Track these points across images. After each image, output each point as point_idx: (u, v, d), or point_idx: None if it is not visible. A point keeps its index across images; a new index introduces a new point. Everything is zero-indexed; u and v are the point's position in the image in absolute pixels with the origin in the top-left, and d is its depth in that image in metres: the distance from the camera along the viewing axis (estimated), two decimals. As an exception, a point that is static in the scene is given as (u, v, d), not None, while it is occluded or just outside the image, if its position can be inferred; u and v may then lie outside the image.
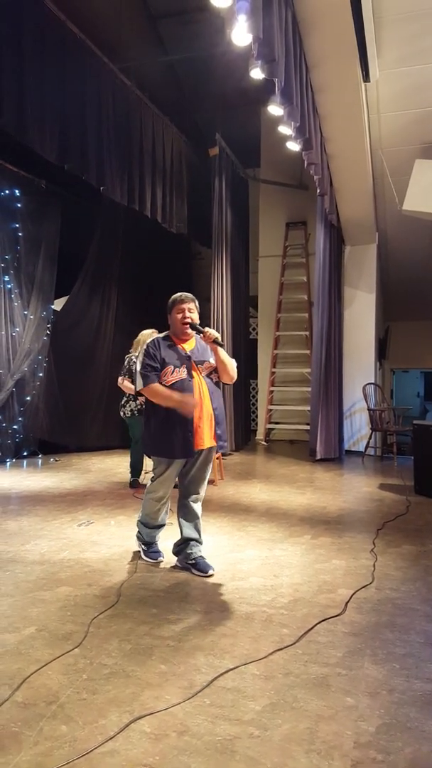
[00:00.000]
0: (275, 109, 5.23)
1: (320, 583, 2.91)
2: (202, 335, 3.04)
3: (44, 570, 3.06)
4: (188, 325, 3.01)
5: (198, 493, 3.14)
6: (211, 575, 3.01)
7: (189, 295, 3.09)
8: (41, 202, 6.89)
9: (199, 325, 3.06)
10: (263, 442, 8.37)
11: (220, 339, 3.04)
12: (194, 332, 3.07)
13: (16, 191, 6.62)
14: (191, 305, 3.06)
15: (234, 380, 3.15)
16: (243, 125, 8.47)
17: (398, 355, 12.44)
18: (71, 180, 5.75)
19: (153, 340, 3.04)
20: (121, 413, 5.18)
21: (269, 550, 3.44)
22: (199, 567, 3.05)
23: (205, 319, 7.50)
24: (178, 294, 3.10)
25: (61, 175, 5.88)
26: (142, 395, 3.04)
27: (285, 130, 5.48)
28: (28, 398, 6.65)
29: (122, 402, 5.19)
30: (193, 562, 3.08)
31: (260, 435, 8.64)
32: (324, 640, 2.31)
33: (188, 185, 7.33)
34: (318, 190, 5.93)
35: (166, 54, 6.47)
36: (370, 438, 7.25)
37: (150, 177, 6.30)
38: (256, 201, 8.97)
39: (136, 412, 5.04)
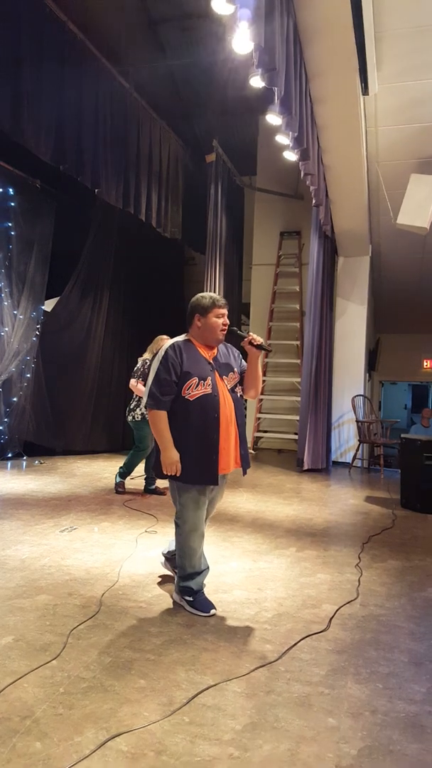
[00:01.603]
0: (273, 118, 5.24)
1: (305, 597, 2.88)
2: (244, 341, 2.70)
3: (24, 577, 2.99)
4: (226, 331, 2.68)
5: (212, 512, 2.88)
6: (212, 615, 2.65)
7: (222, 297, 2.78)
8: (35, 201, 6.83)
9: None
10: (251, 451, 8.34)
11: (265, 344, 2.71)
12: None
13: (10, 190, 6.55)
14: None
15: (257, 396, 2.96)
16: (240, 133, 8.50)
17: (387, 367, 12.51)
18: (66, 181, 5.72)
19: (174, 345, 2.62)
20: (129, 417, 5.04)
21: (254, 562, 3.40)
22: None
23: (189, 326, 7.44)
24: (212, 295, 2.71)
25: (57, 176, 5.84)
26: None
27: (282, 139, 5.50)
28: (15, 399, 6.56)
29: (131, 405, 5.06)
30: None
31: (248, 443, 8.60)
32: (307, 657, 2.27)
33: (184, 191, 7.33)
34: (313, 201, 5.95)
35: (166, 59, 6.46)
36: (357, 450, 7.25)
37: (146, 181, 6.28)
38: (251, 209, 8.99)
39: (146, 416, 4.93)
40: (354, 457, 7.21)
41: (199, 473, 2.59)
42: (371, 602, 2.86)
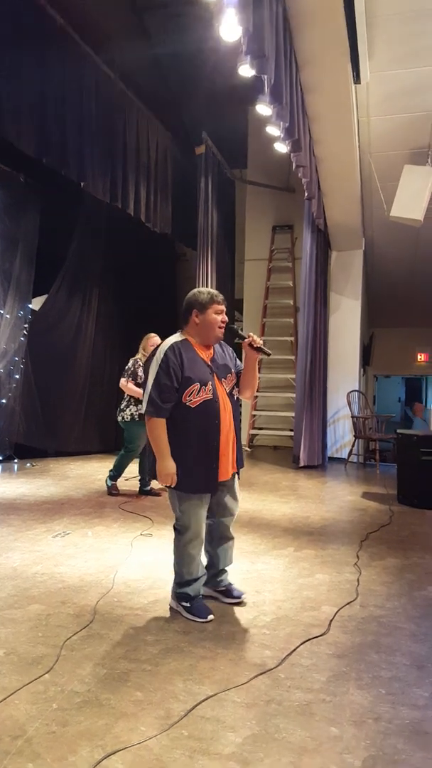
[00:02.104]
0: (264, 109, 5.14)
1: (303, 599, 2.82)
2: (243, 342, 2.61)
3: (15, 586, 2.91)
4: (224, 330, 2.57)
5: (231, 517, 2.76)
6: (243, 602, 2.71)
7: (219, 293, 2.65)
8: (20, 197, 6.68)
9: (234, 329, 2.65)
10: (247, 448, 8.27)
11: (266, 348, 2.63)
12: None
13: (-7, 185, 6.43)
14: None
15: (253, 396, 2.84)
16: (230, 125, 8.37)
17: (381, 361, 12.47)
18: (52, 175, 5.59)
19: (174, 347, 2.47)
20: (119, 417, 4.96)
21: (251, 563, 3.34)
22: (232, 594, 2.75)
23: (185, 324, 7.31)
24: (210, 290, 2.59)
25: (41, 170, 5.71)
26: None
27: (273, 130, 5.41)
28: (4, 401, 6.45)
29: (122, 405, 4.97)
30: (224, 589, 2.78)
31: (244, 441, 8.55)
32: (307, 662, 2.21)
33: (173, 184, 7.21)
34: (306, 194, 5.87)
35: (152, 47, 6.34)
36: (353, 445, 7.20)
37: (134, 174, 6.16)
38: (242, 203, 8.89)
39: (137, 416, 4.85)
40: (350, 453, 7.16)
41: (198, 481, 2.51)
42: (371, 603, 2.80)
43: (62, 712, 1.87)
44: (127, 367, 4.98)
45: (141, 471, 5.16)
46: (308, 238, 6.87)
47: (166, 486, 2.55)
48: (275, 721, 1.83)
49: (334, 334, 7.66)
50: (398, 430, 5.39)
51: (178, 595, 2.65)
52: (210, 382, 2.51)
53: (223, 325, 2.58)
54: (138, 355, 5.03)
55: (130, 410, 4.89)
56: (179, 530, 2.61)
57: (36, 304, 7.13)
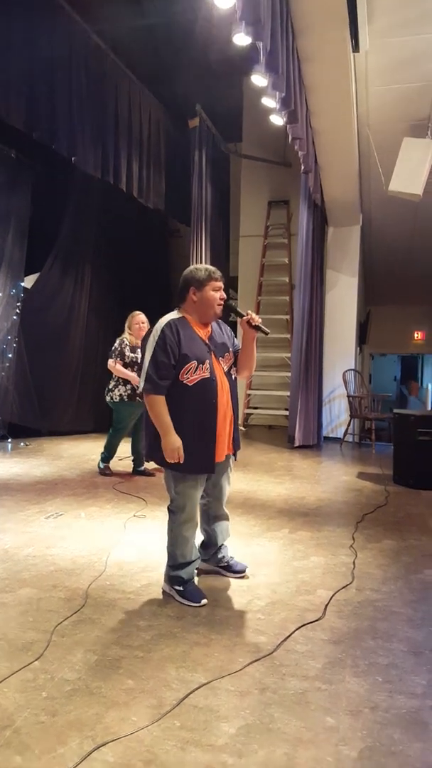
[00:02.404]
0: (259, 80, 4.95)
1: (299, 583, 2.78)
2: (242, 318, 2.55)
3: (6, 569, 2.86)
4: (223, 307, 2.52)
5: (226, 495, 2.78)
6: (246, 575, 2.78)
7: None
8: (11, 173, 6.50)
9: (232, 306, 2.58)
10: (242, 428, 8.23)
11: (264, 326, 2.56)
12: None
13: (-17, 160, 6.24)
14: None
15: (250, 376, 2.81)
16: (225, 97, 8.12)
17: (378, 339, 12.41)
18: (43, 150, 5.42)
19: (171, 323, 2.43)
20: (108, 398, 4.89)
21: (246, 545, 3.30)
22: (235, 569, 2.79)
23: (182, 301, 7.14)
24: (208, 267, 2.53)
25: (33, 146, 5.53)
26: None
27: (269, 102, 5.23)
28: (-3, 380, 6.37)
29: (110, 386, 4.89)
30: (226, 564, 2.80)
31: (239, 420, 8.50)
32: (303, 648, 2.17)
33: (166, 158, 7.03)
34: (302, 167, 5.71)
35: (143, 14, 6.09)
36: (348, 425, 7.16)
37: (126, 148, 5.99)
38: (237, 177, 8.70)
39: (125, 397, 4.78)
40: (345, 433, 7.13)
41: (196, 462, 2.46)
42: (367, 586, 2.77)
43: (52, 701, 1.83)
44: (113, 347, 4.89)
45: (134, 451, 5.11)
46: (305, 213, 6.72)
47: (162, 466, 2.50)
48: (270, 711, 1.79)
49: (330, 312, 7.56)
50: (394, 410, 5.34)
51: (171, 579, 2.61)
52: (207, 361, 2.46)
53: (222, 302, 2.52)
54: (124, 334, 4.93)
55: (118, 390, 4.81)
56: (174, 511, 2.57)
57: (28, 282, 6.99)
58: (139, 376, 4.73)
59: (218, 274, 2.54)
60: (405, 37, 4.61)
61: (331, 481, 5.14)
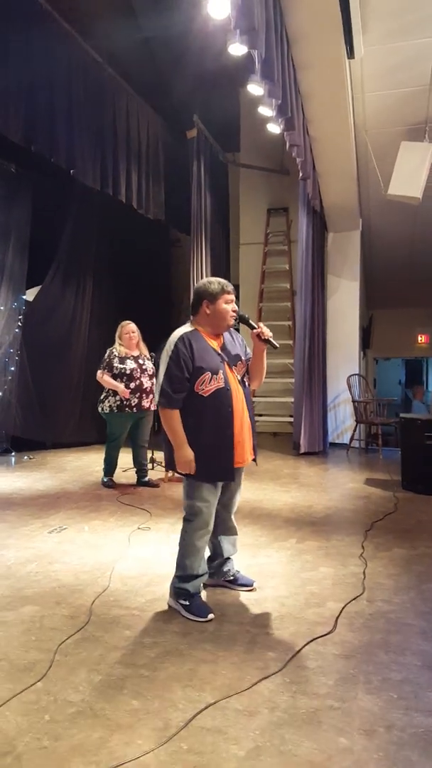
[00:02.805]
0: (255, 89, 4.96)
1: (307, 595, 2.72)
2: (252, 330, 2.60)
3: (9, 586, 2.81)
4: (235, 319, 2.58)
5: (235, 506, 2.80)
6: (255, 588, 2.76)
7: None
8: (11, 186, 6.52)
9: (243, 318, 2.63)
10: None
11: (274, 340, 2.61)
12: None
13: (-18, 175, 6.26)
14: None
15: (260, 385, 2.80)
16: (222, 108, 8.14)
17: (381, 343, 12.34)
18: (43, 164, 5.42)
19: (184, 337, 2.47)
20: (99, 409, 4.87)
21: (253, 557, 3.24)
22: (242, 582, 2.78)
23: (185, 310, 7.20)
24: (220, 280, 2.60)
25: (32, 159, 5.54)
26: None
27: (265, 111, 5.23)
28: (0, 393, 6.34)
29: (101, 397, 4.87)
30: (232, 578, 2.79)
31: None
32: (313, 665, 2.11)
33: (165, 169, 7.03)
34: (300, 174, 5.69)
35: (138, 27, 6.12)
36: (354, 430, 7.09)
37: (124, 160, 5.99)
38: (236, 186, 8.70)
39: (115, 408, 4.75)
40: (351, 438, 7.06)
41: (215, 469, 2.51)
42: (378, 597, 2.70)
43: (55, 725, 1.78)
44: (103, 359, 4.85)
45: (136, 462, 5.06)
46: (304, 220, 6.70)
47: (183, 474, 2.53)
48: (280, 732, 1.73)
49: (332, 318, 7.52)
50: (401, 415, 5.28)
51: (177, 592, 2.56)
52: (221, 371, 2.51)
53: (234, 314, 2.58)
54: (114, 345, 4.90)
55: (108, 401, 4.78)
56: (189, 520, 2.57)
57: (30, 295, 6.99)
58: (128, 387, 4.69)
59: (230, 287, 2.60)
60: (399, 43, 4.60)
61: (338, 488, 5.07)
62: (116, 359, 4.78)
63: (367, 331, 10.75)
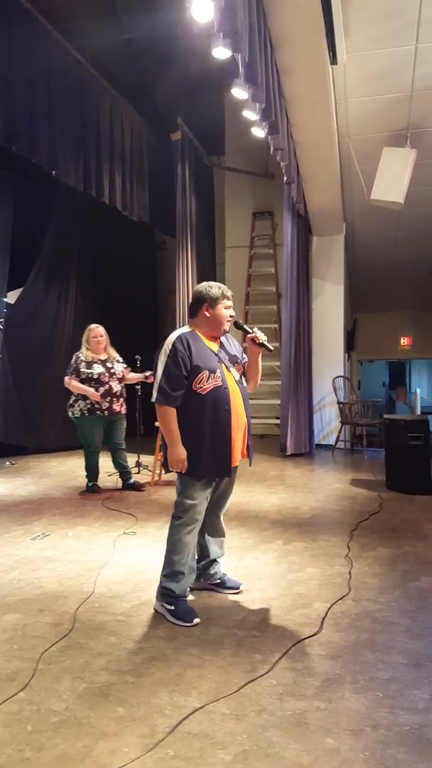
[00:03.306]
0: (240, 92, 4.96)
1: (294, 596, 2.71)
2: (247, 335, 2.68)
3: (-9, 593, 2.76)
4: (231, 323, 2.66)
5: (226, 507, 2.83)
6: (241, 591, 2.76)
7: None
8: (-8, 188, 6.46)
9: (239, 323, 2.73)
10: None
11: (268, 344, 2.68)
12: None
13: (-37, 176, 6.18)
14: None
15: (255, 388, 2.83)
16: (206, 111, 8.15)
17: (365, 346, 12.44)
18: (24, 164, 5.37)
19: (182, 337, 2.52)
20: (70, 413, 4.79)
21: (240, 559, 3.22)
22: (228, 585, 2.78)
23: (171, 312, 7.16)
24: (220, 285, 2.65)
25: (14, 159, 5.48)
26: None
27: (250, 114, 5.24)
28: (-18, 398, 6.26)
29: (70, 401, 4.79)
30: (218, 581, 2.79)
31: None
32: (300, 666, 2.10)
33: (149, 171, 7.01)
34: (285, 178, 5.72)
35: (121, 27, 6.10)
36: (340, 431, 7.12)
37: (108, 161, 5.95)
38: (221, 190, 8.71)
39: (86, 412, 4.69)
40: (337, 439, 7.09)
41: (212, 466, 2.54)
42: (364, 597, 2.71)
43: (38, 735, 1.74)
44: (70, 364, 4.79)
45: (117, 466, 5.00)
46: (289, 223, 6.73)
47: (176, 471, 2.55)
48: (267, 735, 1.72)
49: (317, 320, 7.55)
50: (385, 416, 5.32)
51: (163, 593, 2.55)
52: (218, 370, 2.56)
53: (231, 319, 2.64)
54: (81, 349, 4.84)
55: (78, 405, 4.71)
56: (178, 516, 2.58)
57: (11, 297, 6.91)
58: (99, 390, 4.64)
59: (230, 292, 2.67)
60: (381, 50, 4.64)
61: (324, 489, 5.08)
62: (83, 364, 4.71)
63: (351, 333, 10.83)
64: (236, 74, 4.17)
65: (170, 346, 2.51)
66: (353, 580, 2.90)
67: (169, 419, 2.49)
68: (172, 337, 2.56)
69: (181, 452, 2.48)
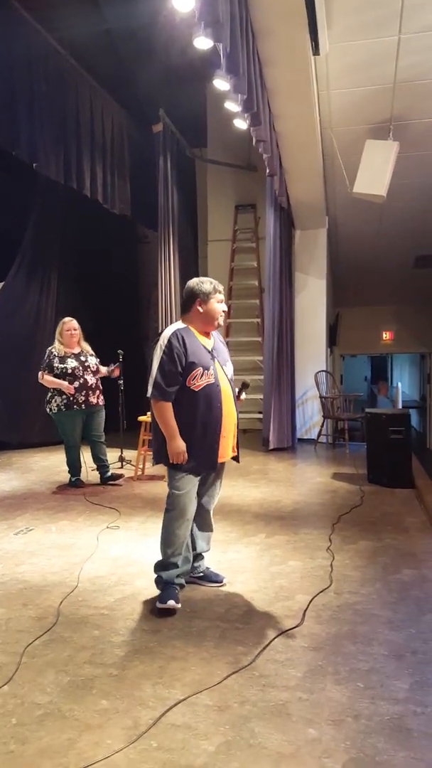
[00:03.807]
0: (221, 84, 4.92)
1: (276, 589, 2.74)
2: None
3: (-27, 589, 2.74)
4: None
5: (214, 501, 2.86)
6: (224, 584, 2.79)
7: None
8: (-29, 179, 6.34)
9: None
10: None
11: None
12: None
13: None
14: None
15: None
16: (188, 103, 8.08)
17: (348, 340, 12.51)
18: (4, 157, 5.28)
19: (177, 333, 2.55)
20: (47, 410, 4.78)
21: (223, 553, 3.24)
22: (211, 578, 2.82)
23: (153, 306, 7.13)
24: (211, 280, 2.68)
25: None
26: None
27: (232, 106, 5.20)
28: (-38, 393, 6.17)
29: (47, 397, 4.77)
30: (201, 575, 2.84)
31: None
32: (282, 657, 2.13)
33: (131, 163, 6.94)
34: (267, 170, 5.71)
35: (102, 18, 6.01)
36: (322, 426, 7.18)
37: (89, 153, 5.87)
38: (203, 182, 8.66)
39: (62, 407, 4.67)
40: (319, 434, 7.14)
41: (200, 460, 2.59)
42: (345, 589, 2.74)
43: (22, 728, 1.74)
44: (42, 360, 4.76)
45: (95, 459, 4.99)
46: (271, 217, 6.72)
47: (165, 463, 2.60)
48: (250, 725, 1.74)
49: (300, 315, 7.58)
50: (366, 410, 5.37)
51: (156, 580, 2.65)
52: (212, 367, 2.60)
53: (224, 314, 2.68)
54: (54, 344, 4.81)
55: (55, 401, 4.70)
56: (170, 509, 2.63)
57: (-8, 291, 6.82)
58: (74, 384, 4.62)
59: (221, 287, 2.70)
60: (363, 41, 4.65)
61: (306, 483, 5.12)
62: (56, 359, 4.68)
63: (333, 328, 10.89)
64: (218, 65, 4.15)
65: (165, 342, 2.53)
66: (335, 573, 2.94)
67: (166, 414, 2.53)
68: (167, 332, 2.57)
69: (181, 444, 2.53)
